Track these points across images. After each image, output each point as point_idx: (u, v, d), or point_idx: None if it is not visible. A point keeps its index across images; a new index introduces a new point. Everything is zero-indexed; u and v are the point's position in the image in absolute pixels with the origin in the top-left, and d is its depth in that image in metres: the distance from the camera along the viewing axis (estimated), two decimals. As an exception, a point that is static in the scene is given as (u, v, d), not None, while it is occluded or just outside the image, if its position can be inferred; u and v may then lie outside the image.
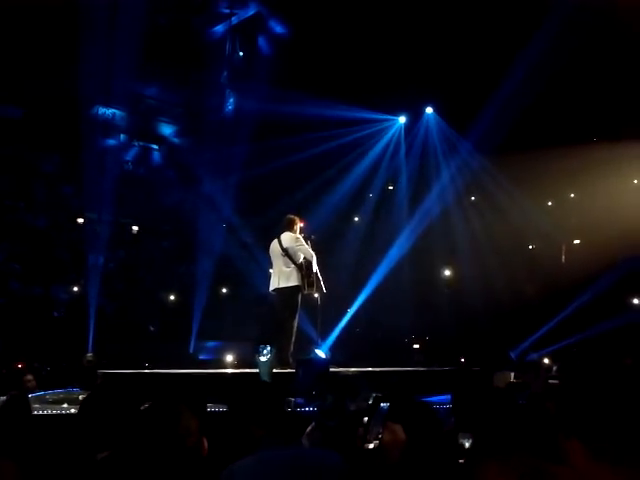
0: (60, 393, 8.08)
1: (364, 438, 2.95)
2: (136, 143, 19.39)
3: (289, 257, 8.53)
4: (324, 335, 11.99)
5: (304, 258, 8.57)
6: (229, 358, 14.37)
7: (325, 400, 4.71)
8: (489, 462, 1.82)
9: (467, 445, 4.40)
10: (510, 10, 14.11)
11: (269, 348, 7.90)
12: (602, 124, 15.69)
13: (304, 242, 8.68)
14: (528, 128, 15.73)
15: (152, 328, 16.26)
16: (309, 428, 3.38)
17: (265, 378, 7.14)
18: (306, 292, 8.60)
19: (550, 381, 8.95)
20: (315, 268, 8.65)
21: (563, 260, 18.89)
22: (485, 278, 16.81)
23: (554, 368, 10.59)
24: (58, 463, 3.16)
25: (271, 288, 8.73)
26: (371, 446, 2.91)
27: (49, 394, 7.95)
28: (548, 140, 15.29)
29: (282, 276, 8.55)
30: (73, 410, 6.23)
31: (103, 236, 16.80)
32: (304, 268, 8.56)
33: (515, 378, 8.76)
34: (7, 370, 10.53)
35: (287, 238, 8.63)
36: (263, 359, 7.48)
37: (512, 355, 13.39)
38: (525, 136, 15.73)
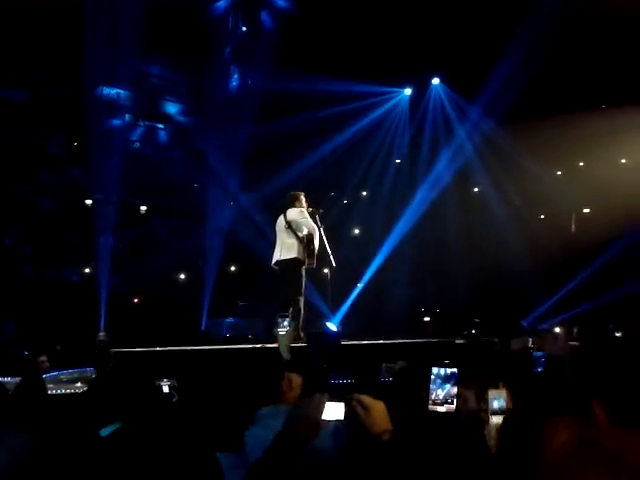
0: (74, 372, 8.12)
1: (427, 402, 2.98)
2: (141, 123, 19.36)
3: (292, 230, 8.58)
4: (335, 308, 12.02)
5: (307, 231, 8.59)
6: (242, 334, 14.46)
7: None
8: (546, 421, 1.81)
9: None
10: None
11: (288, 320, 7.93)
12: (610, 90, 15.49)
13: (308, 216, 8.69)
14: (535, 96, 15.56)
15: (162, 307, 16.29)
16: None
17: (284, 351, 7.17)
18: (306, 265, 8.61)
19: (570, 343, 8.97)
20: (318, 242, 8.65)
21: (573, 229, 18.80)
22: (496, 249, 16.75)
23: (575, 330, 10.60)
24: (71, 442, 3.18)
25: (273, 261, 8.77)
26: (442, 409, 2.94)
27: (63, 374, 7.99)
28: (556, 108, 15.12)
29: (284, 248, 8.61)
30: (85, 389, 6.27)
31: (111, 217, 16.82)
32: (305, 240, 8.58)
33: (533, 344, 8.76)
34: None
35: (292, 212, 8.67)
36: (282, 332, 7.50)
37: (524, 324, 13.40)
38: (533, 105, 15.55)
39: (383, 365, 5.47)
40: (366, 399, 2.38)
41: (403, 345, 9.18)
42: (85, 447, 3.11)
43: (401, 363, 4.96)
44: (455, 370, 2.96)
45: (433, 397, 2.95)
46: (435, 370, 2.98)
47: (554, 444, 1.57)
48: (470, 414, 2.94)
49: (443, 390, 2.95)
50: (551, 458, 1.55)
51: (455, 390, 2.93)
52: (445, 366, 2.98)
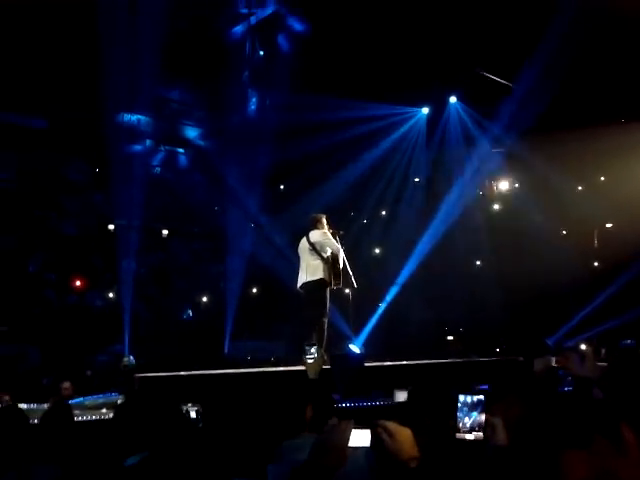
0: (99, 399, 8.18)
1: (456, 429, 2.96)
2: (162, 147, 19.56)
3: (316, 251, 8.58)
4: (357, 330, 11.97)
5: (331, 252, 8.60)
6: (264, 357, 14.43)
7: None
8: (571, 451, 1.80)
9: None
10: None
11: (316, 347, 7.96)
12: (630, 104, 15.41)
13: (331, 237, 8.71)
14: (555, 112, 15.50)
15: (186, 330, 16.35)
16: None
17: (312, 377, 7.19)
18: (333, 286, 8.61)
19: (598, 363, 8.81)
20: (342, 262, 8.65)
21: (596, 244, 18.62)
22: (517, 265, 16.63)
23: (602, 351, 10.45)
24: (98, 468, 3.20)
25: (299, 284, 8.76)
26: (470, 437, 2.92)
27: (88, 400, 8.05)
28: (575, 123, 15.06)
29: (309, 270, 8.59)
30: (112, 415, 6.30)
31: (134, 241, 16.94)
32: (330, 261, 8.59)
33: (556, 363, 8.63)
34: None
35: (315, 233, 8.70)
36: (310, 360, 7.55)
37: (549, 342, 13.24)
38: (552, 120, 15.50)
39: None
40: (391, 425, 2.36)
41: (426, 366, 9.12)
42: (111, 476, 3.13)
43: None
44: (482, 397, 2.93)
45: (460, 425, 2.92)
46: (462, 397, 2.95)
47: (572, 476, 1.56)
48: (498, 444, 2.91)
49: (470, 418, 2.92)
50: None
51: (483, 417, 2.90)
52: (472, 393, 2.96)
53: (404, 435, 2.35)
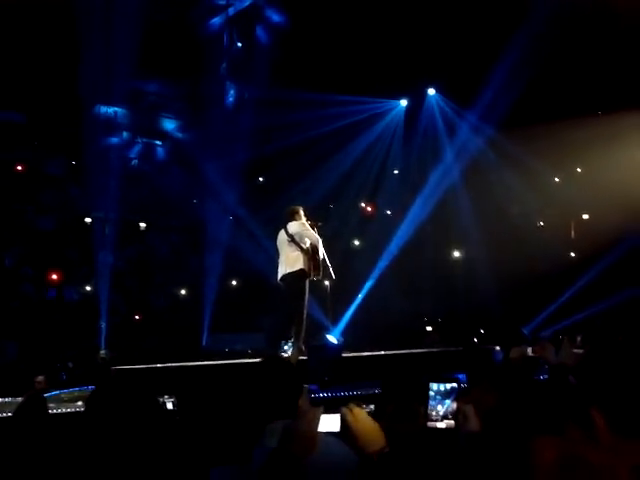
0: (75, 392, 8.14)
1: (428, 417, 2.93)
2: (139, 140, 19.42)
3: (295, 242, 8.52)
4: (335, 321, 12.00)
5: (310, 243, 8.58)
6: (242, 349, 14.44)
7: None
8: (541, 437, 1.82)
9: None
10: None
11: (290, 343, 7.97)
12: (607, 96, 15.54)
13: (310, 228, 8.69)
14: (531, 103, 15.61)
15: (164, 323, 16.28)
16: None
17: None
18: (312, 277, 8.58)
19: (574, 350, 8.91)
20: (322, 253, 8.64)
21: (573, 235, 18.81)
22: (494, 256, 16.75)
23: (578, 338, 10.56)
24: (72, 461, 3.18)
25: (279, 276, 8.70)
26: (442, 425, 2.90)
27: (64, 393, 8.00)
28: (552, 114, 15.17)
29: (288, 262, 8.54)
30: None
31: (111, 234, 16.83)
32: (310, 252, 8.55)
33: (533, 352, 8.72)
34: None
35: (293, 225, 8.64)
36: (285, 356, 7.55)
37: (525, 332, 13.38)
38: (529, 112, 15.60)
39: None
40: (357, 410, 2.36)
41: (403, 356, 9.17)
42: (85, 466, 3.12)
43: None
44: (455, 385, 2.92)
45: (433, 413, 2.90)
46: (434, 386, 2.93)
47: (541, 462, 1.58)
48: (471, 431, 2.91)
49: (443, 406, 2.90)
50: (538, 476, 1.56)
51: (454, 406, 2.88)
52: (444, 381, 2.95)
53: (368, 423, 2.34)
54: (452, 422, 2.86)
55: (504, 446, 2.61)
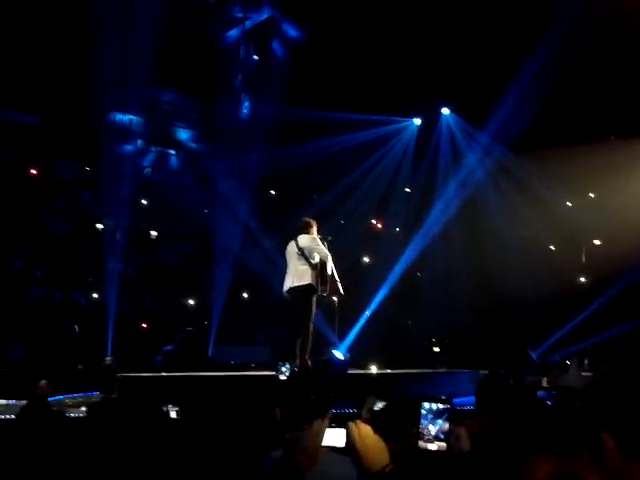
0: (79, 397, 8.12)
1: (418, 437, 2.88)
2: (153, 148, 19.52)
3: (304, 257, 8.53)
4: (342, 336, 11.95)
5: (319, 258, 8.55)
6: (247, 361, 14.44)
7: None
8: (537, 456, 1.80)
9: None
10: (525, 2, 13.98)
11: (288, 365, 7.94)
12: (619, 122, 15.51)
13: (320, 243, 8.67)
14: (545, 127, 15.59)
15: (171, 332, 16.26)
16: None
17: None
18: (319, 292, 8.56)
19: (583, 373, 8.85)
20: (331, 269, 8.62)
21: (584, 260, 18.70)
22: (505, 279, 16.66)
23: (585, 362, 10.49)
24: (74, 464, 3.16)
25: (285, 288, 8.70)
26: (433, 447, 2.83)
27: (68, 398, 7.98)
28: (565, 140, 15.14)
29: (296, 275, 8.53)
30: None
31: (122, 241, 16.86)
32: (318, 268, 8.53)
33: (548, 382, 8.67)
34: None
35: (304, 238, 8.64)
36: (283, 378, 7.53)
37: (533, 355, 13.27)
38: (542, 135, 15.59)
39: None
40: (362, 424, 2.33)
41: (408, 375, 9.11)
42: (86, 471, 3.09)
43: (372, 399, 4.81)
44: (448, 405, 2.87)
45: (425, 433, 2.84)
46: (427, 405, 2.87)
47: (535, 477, 1.56)
48: (462, 453, 2.86)
49: (435, 426, 2.84)
50: None
51: (447, 426, 2.82)
52: (437, 401, 2.89)
53: (374, 440, 2.31)
54: (444, 444, 2.80)
55: (495, 465, 2.58)
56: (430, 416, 2.84)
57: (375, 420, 3.57)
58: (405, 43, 15.72)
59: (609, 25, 13.43)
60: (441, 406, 2.86)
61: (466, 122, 18.42)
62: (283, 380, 7.34)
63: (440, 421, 2.84)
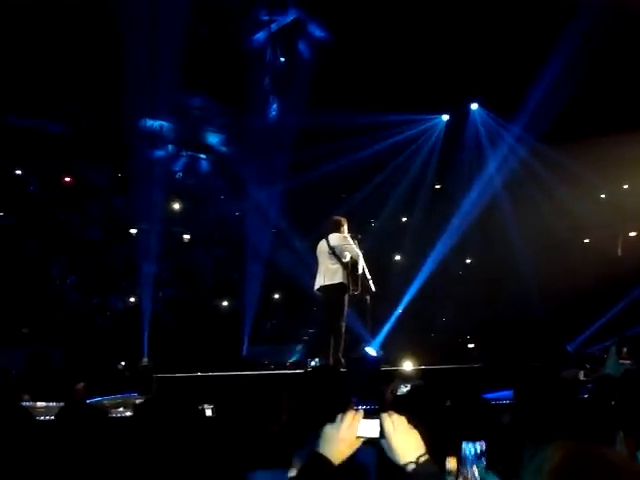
0: (118, 398, 8.25)
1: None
2: (184, 153, 19.72)
3: (335, 256, 8.54)
4: (374, 333, 11.96)
5: (350, 257, 8.56)
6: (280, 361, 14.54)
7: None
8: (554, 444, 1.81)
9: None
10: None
11: (317, 360, 7.98)
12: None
13: (351, 241, 8.68)
14: (577, 118, 15.37)
15: (205, 334, 16.43)
16: None
17: None
18: (350, 291, 8.57)
19: (621, 361, 8.76)
20: (361, 268, 8.63)
21: (619, 252, 18.43)
22: (540, 272, 16.48)
23: (624, 350, 10.37)
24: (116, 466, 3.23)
25: (316, 287, 8.72)
26: None
27: (107, 399, 8.12)
28: (598, 130, 14.92)
29: (327, 274, 8.55)
30: (128, 414, 6.38)
31: (155, 246, 17.07)
32: (349, 267, 8.54)
33: (585, 376, 8.60)
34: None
35: (335, 237, 8.65)
36: None
37: (569, 348, 13.13)
38: (574, 127, 15.37)
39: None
40: (395, 415, 2.35)
41: (443, 370, 9.08)
42: (128, 467, 3.16)
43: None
44: (483, 444, 2.93)
45: (469, 477, 2.91)
46: (468, 447, 2.93)
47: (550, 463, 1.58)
48: None
49: (479, 467, 2.91)
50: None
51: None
52: (473, 440, 2.94)
53: (407, 431, 2.32)
54: None
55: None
56: (471, 458, 2.91)
57: (397, 404, 3.59)
58: (431, 38, 15.63)
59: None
60: (478, 447, 2.93)
61: (495, 117, 18.25)
62: (301, 374, 7.37)
63: (483, 461, 2.94)
